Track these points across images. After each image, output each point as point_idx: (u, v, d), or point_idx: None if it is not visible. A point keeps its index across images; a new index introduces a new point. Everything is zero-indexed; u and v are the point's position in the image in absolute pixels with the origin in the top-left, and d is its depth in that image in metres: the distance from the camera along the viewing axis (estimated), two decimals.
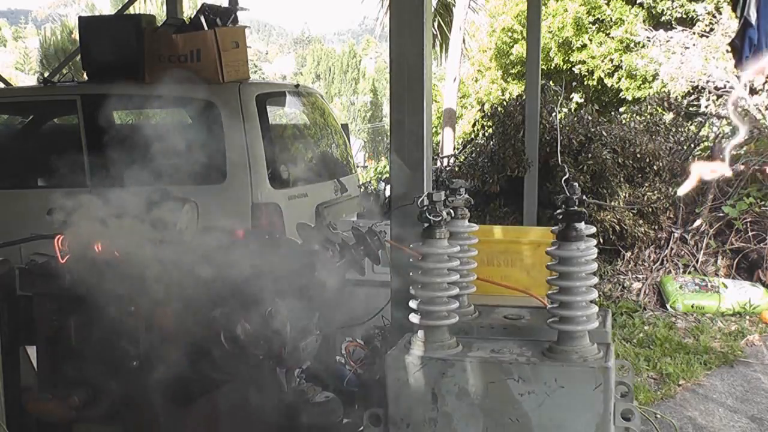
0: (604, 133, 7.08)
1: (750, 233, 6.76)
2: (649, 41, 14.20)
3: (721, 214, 6.90)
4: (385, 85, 41.49)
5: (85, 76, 5.94)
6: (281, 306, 2.53)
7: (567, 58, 16.94)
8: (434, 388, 2.26)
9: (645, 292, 6.58)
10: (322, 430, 2.80)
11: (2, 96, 6.68)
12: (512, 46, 17.99)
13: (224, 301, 2.54)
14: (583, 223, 2.24)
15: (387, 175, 8.70)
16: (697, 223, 6.93)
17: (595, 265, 2.28)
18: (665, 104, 8.47)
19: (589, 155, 6.84)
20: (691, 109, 10.47)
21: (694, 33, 13.57)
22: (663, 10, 15.42)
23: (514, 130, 6.98)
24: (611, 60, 16.24)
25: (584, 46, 16.70)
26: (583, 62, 16.69)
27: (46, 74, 6.39)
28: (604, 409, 2.15)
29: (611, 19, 16.37)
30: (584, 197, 2.28)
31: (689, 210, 7.04)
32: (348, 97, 54.14)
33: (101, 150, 5.20)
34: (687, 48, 13.30)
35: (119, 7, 9.01)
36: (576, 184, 2.29)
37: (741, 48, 6.12)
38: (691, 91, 12.86)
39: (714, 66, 12.48)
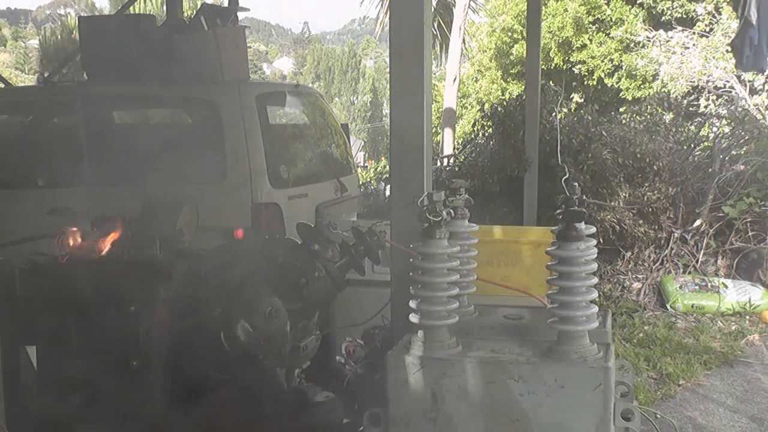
0: (604, 133, 7.07)
1: (750, 233, 6.75)
2: (649, 41, 14.20)
3: (721, 214, 6.89)
4: (385, 85, 41.50)
5: (85, 76, 5.94)
6: None
7: (567, 58, 16.95)
8: (434, 388, 2.26)
9: (645, 292, 6.57)
10: (322, 430, 2.80)
11: (2, 96, 6.68)
12: (512, 46, 17.99)
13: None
14: (583, 223, 2.24)
15: (387, 175, 8.70)
16: (697, 223, 6.92)
17: (595, 265, 2.28)
18: (665, 104, 8.45)
19: (589, 155, 6.83)
20: (690, 109, 10.47)
21: (694, 33, 13.57)
22: (663, 10, 15.42)
23: (514, 130, 6.97)
24: (611, 60, 16.24)
25: (584, 46, 16.71)
26: (583, 62, 16.69)
27: (46, 74, 6.39)
28: (604, 409, 2.15)
29: (611, 19, 16.38)
30: (584, 197, 2.28)
31: (689, 210, 7.04)
32: (348, 97, 54.17)
33: (101, 150, 5.22)
34: (687, 48, 13.30)
35: (119, 7, 9.00)
36: (576, 184, 2.29)
37: (741, 48, 6.13)
38: (691, 91, 12.86)
39: (714, 66, 12.49)
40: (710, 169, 7.30)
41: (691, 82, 12.76)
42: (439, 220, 2.31)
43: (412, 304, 2.37)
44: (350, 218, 4.96)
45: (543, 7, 11.39)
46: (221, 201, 4.69)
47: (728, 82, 11.92)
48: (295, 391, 2.89)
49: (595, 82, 16.75)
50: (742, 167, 7.11)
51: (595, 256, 2.28)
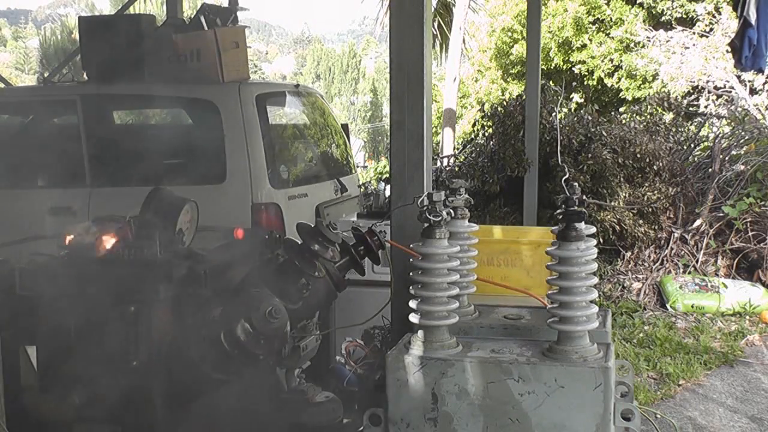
0: (604, 133, 7.07)
1: (750, 233, 6.75)
2: (649, 41, 14.21)
3: (721, 214, 6.89)
4: (385, 85, 41.48)
5: (85, 76, 5.94)
6: None
7: (567, 58, 16.95)
8: (434, 388, 2.26)
9: (645, 292, 6.57)
10: (322, 430, 2.80)
11: (2, 96, 6.68)
12: (512, 46, 17.99)
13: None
14: (583, 223, 2.25)
15: (387, 175, 8.72)
16: (697, 223, 6.92)
17: (594, 265, 2.28)
18: (665, 104, 8.46)
19: (589, 155, 6.84)
20: (690, 109, 10.47)
21: (694, 33, 13.57)
22: (663, 10, 15.43)
23: (514, 130, 6.97)
24: (611, 60, 16.25)
25: (584, 46, 16.71)
26: (583, 62, 16.70)
27: (46, 74, 6.39)
28: (604, 409, 2.15)
29: (611, 19, 16.39)
30: (584, 197, 2.28)
31: (689, 210, 7.04)
32: (348, 97, 54.16)
33: (101, 150, 5.22)
34: (687, 48, 13.31)
35: (119, 7, 9.01)
36: (576, 184, 2.30)
37: (740, 48, 6.14)
38: (691, 91, 12.87)
39: (714, 66, 12.49)
40: (710, 169, 7.30)
41: (691, 82, 12.76)
42: (439, 220, 2.31)
43: (412, 304, 2.37)
44: (350, 218, 4.96)
45: (543, 7, 11.39)
46: (221, 201, 4.69)
47: (728, 82, 11.92)
48: (295, 391, 2.89)
49: (595, 82, 16.76)
50: (742, 167, 7.12)
51: (595, 256, 2.28)
